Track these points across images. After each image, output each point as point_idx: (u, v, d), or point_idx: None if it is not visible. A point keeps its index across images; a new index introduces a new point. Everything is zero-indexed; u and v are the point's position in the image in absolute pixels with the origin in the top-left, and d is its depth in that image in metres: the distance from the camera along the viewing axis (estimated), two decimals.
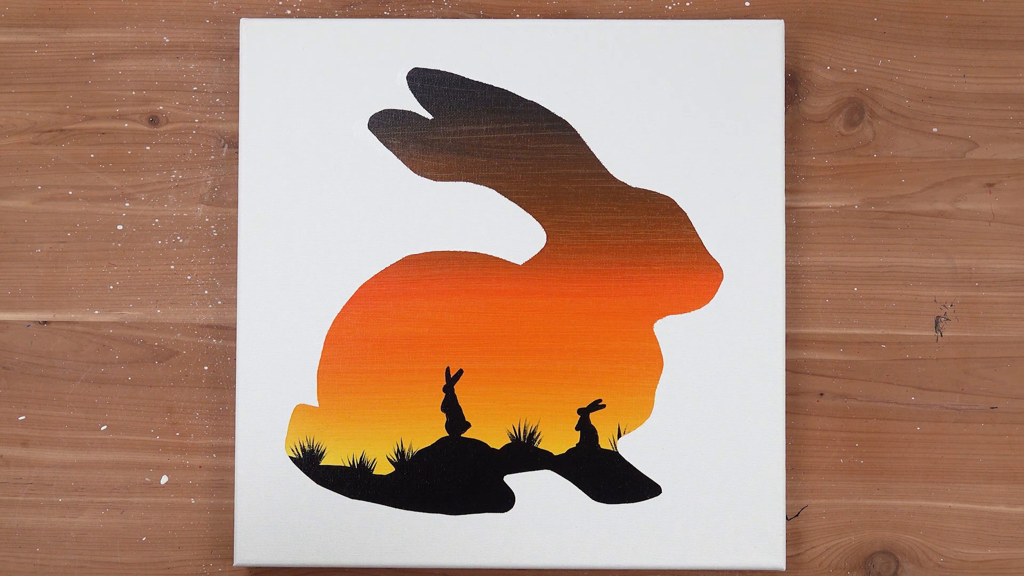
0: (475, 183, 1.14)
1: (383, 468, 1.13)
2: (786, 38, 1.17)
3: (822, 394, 1.17)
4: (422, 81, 1.14)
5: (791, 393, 1.16)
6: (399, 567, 1.14)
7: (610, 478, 1.13)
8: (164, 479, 1.17)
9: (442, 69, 1.14)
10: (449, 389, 1.13)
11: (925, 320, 1.17)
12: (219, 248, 1.17)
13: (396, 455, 1.13)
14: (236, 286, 1.15)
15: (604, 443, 1.13)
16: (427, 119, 1.14)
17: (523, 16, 1.18)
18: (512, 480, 1.13)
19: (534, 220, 1.14)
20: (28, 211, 1.18)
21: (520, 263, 1.14)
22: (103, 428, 1.17)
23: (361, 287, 1.14)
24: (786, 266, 1.16)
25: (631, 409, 1.13)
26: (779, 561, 1.13)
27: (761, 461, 1.13)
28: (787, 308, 1.16)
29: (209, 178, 1.18)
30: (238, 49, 1.17)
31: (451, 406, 1.13)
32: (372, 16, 1.18)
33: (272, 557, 1.13)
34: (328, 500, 1.13)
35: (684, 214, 1.14)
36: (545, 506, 1.13)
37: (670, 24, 1.14)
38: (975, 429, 1.17)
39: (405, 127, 1.14)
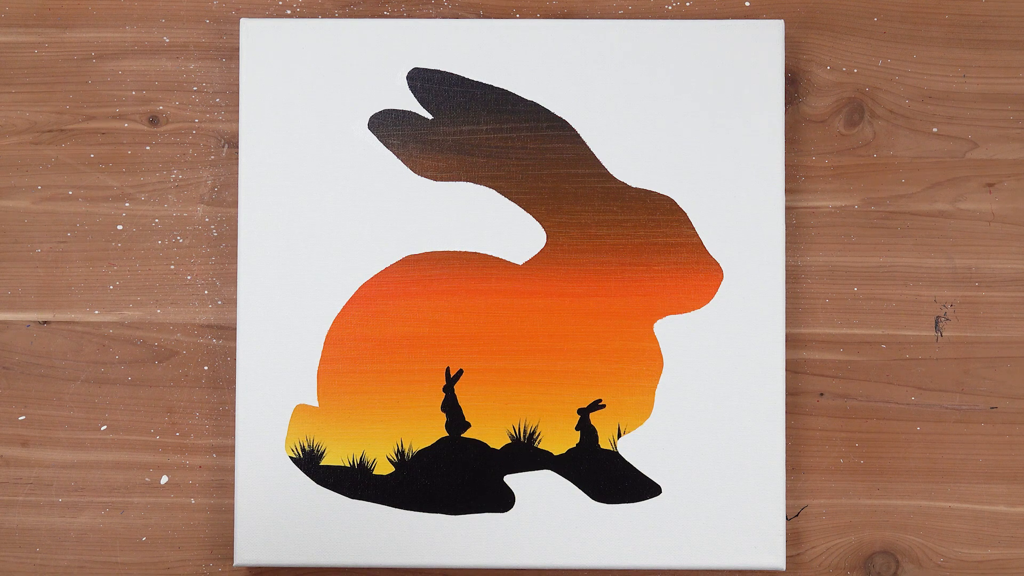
0: (475, 183, 1.14)
1: (383, 468, 1.13)
2: (786, 38, 1.17)
3: (822, 394, 1.17)
4: (422, 81, 1.14)
5: (791, 393, 1.16)
6: (399, 567, 1.14)
7: (610, 478, 1.13)
8: (164, 479, 1.17)
9: (442, 69, 1.14)
10: (449, 389, 1.13)
11: (925, 320, 1.17)
12: (219, 248, 1.17)
13: (396, 455, 1.13)
14: (236, 286, 1.15)
15: (604, 443, 1.13)
16: (427, 119, 1.14)
17: (523, 16, 1.18)
18: (512, 480, 1.13)
19: (534, 220, 1.14)
20: (28, 211, 1.18)
21: (520, 263, 1.14)
22: (103, 428, 1.17)
23: (361, 287, 1.14)
24: (786, 266, 1.16)
25: (631, 409, 1.13)
26: (779, 561, 1.13)
27: (761, 461, 1.13)
28: (787, 308, 1.16)
29: (209, 178, 1.18)
30: (238, 49, 1.17)
31: (451, 406, 1.13)
32: (372, 16, 1.18)
33: (272, 557, 1.13)
34: (328, 500, 1.13)
35: (684, 214, 1.14)
36: (545, 506, 1.13)
37: (670, 24, 1.14)
38: (975, 429, 1.17)
39: (405, 127, 1.14)
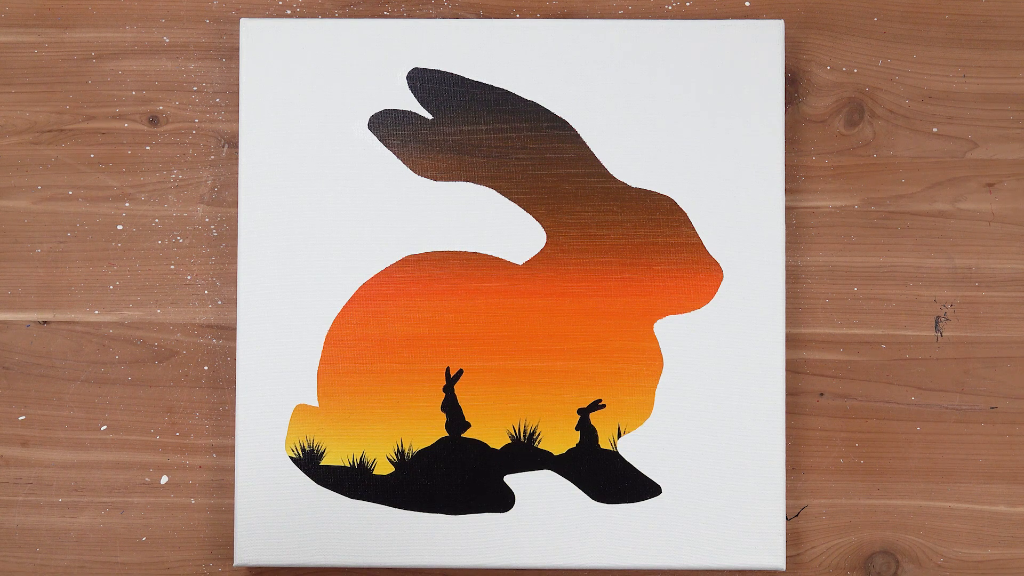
0: (475, 183, 1.14)
1: (383, 468, 1.13)
2: (786, 38, 1.17)
3: (822, 394, 1.17)
4: (422, 81, 1.14)
5: (791, 393, 1.16)
6: (399, 567, 1.14)
7: (610, 478, 1.13)
8: (164, 479, 1.17)
9: (442, 69, 1.14)
10: (449, 389, 1.13)
11: (925, 320, 1.17)
12: (219, 248, 1.17)
13: (396, 455, 1.13)
14: (236, 286, 1.15)
15: (604, 443, 1.13)
16: (427, 119, 1.14)
17: (523, 16, 1.18)
18: (512, 480, 1.13)
19: (534, 220, 1.14)
20: (28, 211, 1.18)
21: (520, 263, 1.14)
22: (103, 428, 1.17)
23: (361, 287, 1.14)
24: (786, 266, 1.16)
25: (631, 409, 1.13)
26: (779, 561, 1.13)
27: (761, 461, 1.13)
28: (787, 308, 1.16)
29: (209, 178, 1.18)
30: (238, 49, 1.17)
31: (451, 406, 1.13)
32: (372, 16, 1.18)
33: (272, 557, 1.13)
34: (328, 500, 1.13)
35: (684, 214, 1.14)
36: (545, 506, 1.13)
37: (670, 24, 1.14)
38: (975, 429, 1.17)
39: (405, 127, 1.14)
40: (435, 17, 1.17)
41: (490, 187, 1.14)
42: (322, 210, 1.14)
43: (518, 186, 1.14)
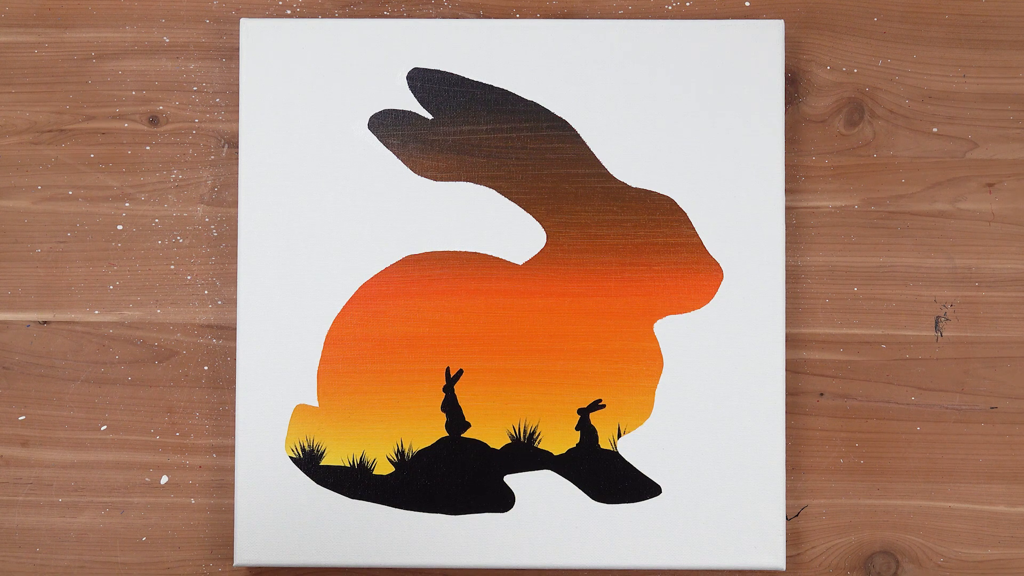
0: (475, 183, 1.14)
1: (383, 468, 1.13)
2: (786, 38, 1.17)
3: (822, 394, 1.17)
4: (422, 81, 1.14)
5: (791, 393, 1.16)
6: (399, 567, 1.14)
7: (610, 478, 1.13)
8: (164, 479, 1.17)
9: (442, 69, 1.14)
10: (449, 389, 1.13)
11: (925, 320, 1.17)
12: (219, 248, 1.17)
13: (396, 455, 1.13)
14: (236, 286, 1.15)
15: (604, 443, 1.13)
16: (427, 119, 1.14)
17: (523, 16, 1.18)
18: (512, 480, 1.13)
19: (534, 220, 1.14)
20: (28, 211, 1.18)
21: (520, 263, 1.14)
22: (103, 428, 1.17)
23: (361, 287, 1.14)
24: (786, 266, 1.16)
25: (631, 409, 1.13)
26: (779, 561, 1.13)
27: (761, 461, 1.13)
28: (787, 308, 1.16)
29: (209, 178, 1.18)
30: (238, 49, 1.17)
31: (451, 406, 1.13)
32: (372, 16, 1.18)
33: (272, 557, 1.13)
34: (328, 500, 1.13)
35: (684, 214, 1.14)
36: (545, 506, 1.13)
37: (670, 24, 1.14)
38: (975, 429, 1.17)
39: (405, 127, 1.14)
40: (435, 17, 1.17)
41: (490, 187, 1.14)
42: (322, 210, 1.14)
43: (518, 186, 1.14)
